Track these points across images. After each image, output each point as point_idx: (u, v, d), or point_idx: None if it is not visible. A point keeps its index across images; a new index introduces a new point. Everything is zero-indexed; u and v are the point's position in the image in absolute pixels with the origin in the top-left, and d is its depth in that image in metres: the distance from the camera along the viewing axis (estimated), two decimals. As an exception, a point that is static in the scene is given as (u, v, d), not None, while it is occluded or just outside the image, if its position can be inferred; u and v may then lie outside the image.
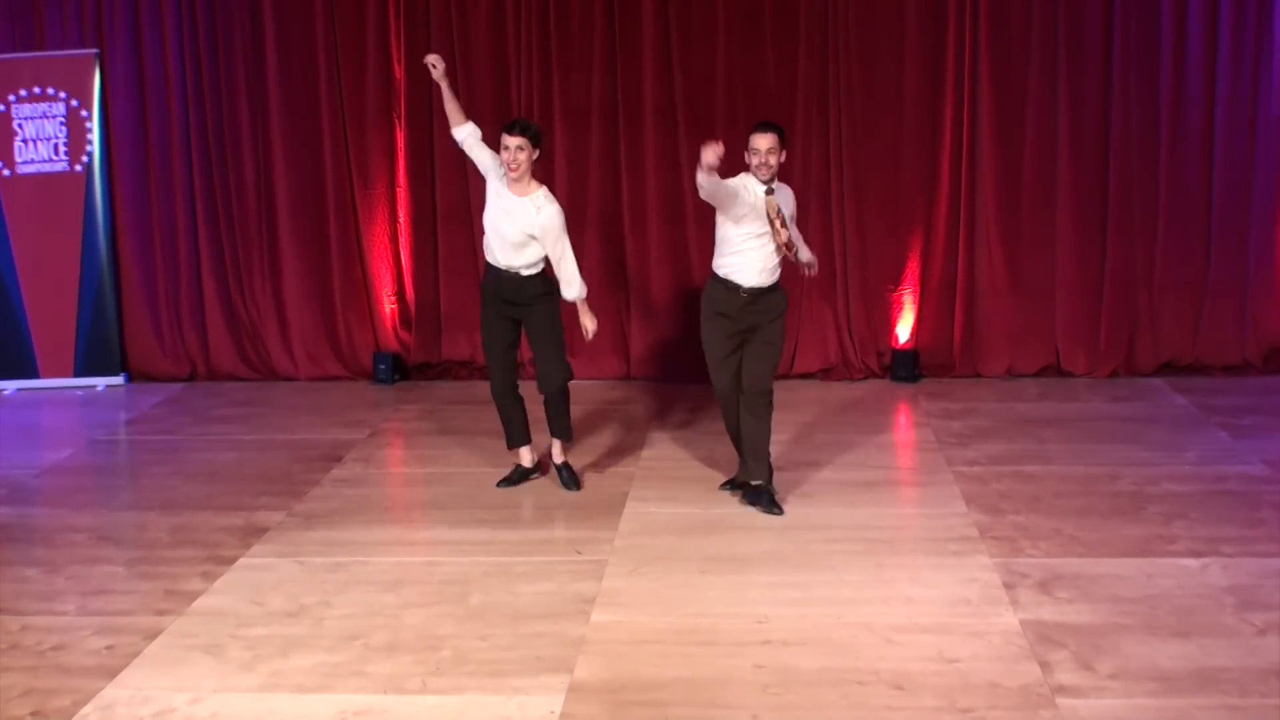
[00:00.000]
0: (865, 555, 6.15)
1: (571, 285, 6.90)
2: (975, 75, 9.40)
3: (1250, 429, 8.11)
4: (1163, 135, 9.33)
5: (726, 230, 6.66)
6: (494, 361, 7.09)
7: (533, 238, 6.80)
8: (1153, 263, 9.49)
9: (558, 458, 7.27)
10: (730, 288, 6.64)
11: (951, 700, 4.71)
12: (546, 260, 6.91)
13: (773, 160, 6.53)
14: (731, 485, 7.09)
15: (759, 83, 9.52)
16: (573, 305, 6.96)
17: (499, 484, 7.27)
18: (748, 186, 6.59)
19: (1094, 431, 8.18)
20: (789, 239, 6.61)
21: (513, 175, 6.75)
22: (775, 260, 6.66)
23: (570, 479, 7.22)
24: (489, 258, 6.99)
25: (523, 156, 6.72)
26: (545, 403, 7.12)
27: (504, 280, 6.92)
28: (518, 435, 7.28)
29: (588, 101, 9.64)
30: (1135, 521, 6.51)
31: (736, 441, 6.98)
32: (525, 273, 6.89)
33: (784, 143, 6.64)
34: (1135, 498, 6.87)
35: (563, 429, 7.21)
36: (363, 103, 9.82)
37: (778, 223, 6.55)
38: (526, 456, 7.32)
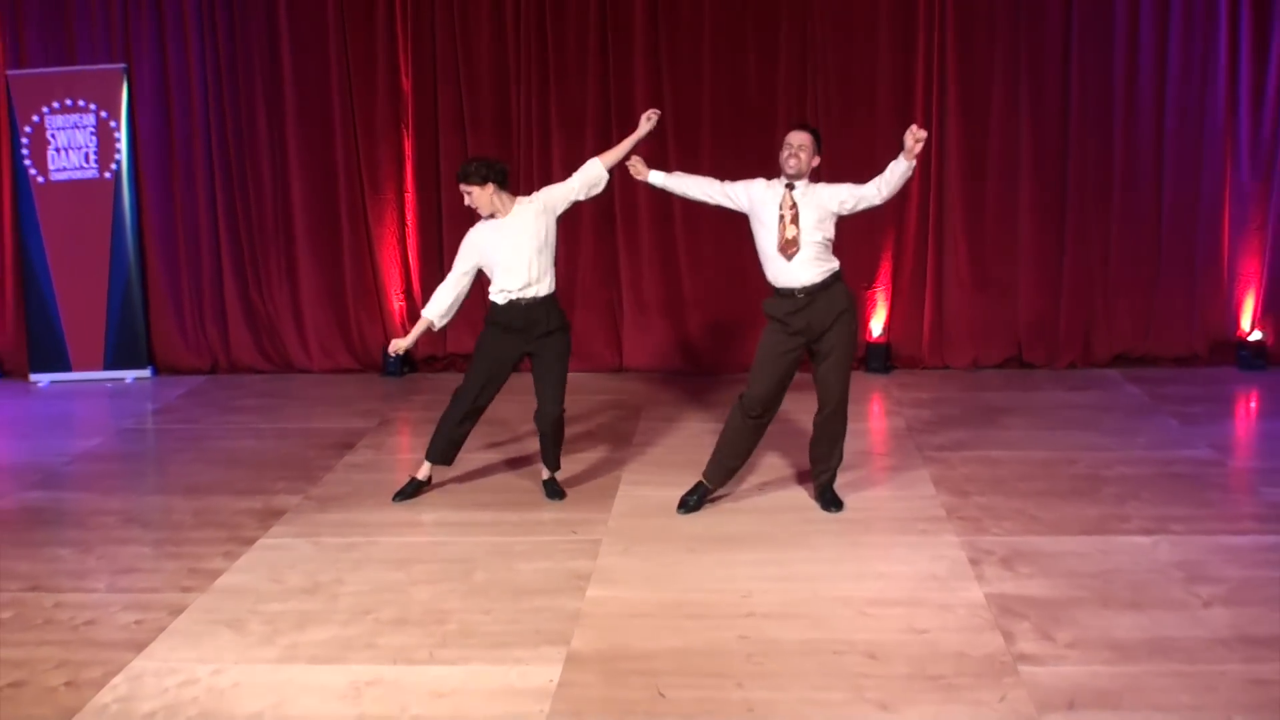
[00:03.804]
0: (842, 534, 6.16)
1: (599, 164, 6.70)
2: (943, 87, 9.41)
3: (1197, 416, 8.13)
4: (1116, 144, 9.35)
5: (757, 241, 6.34)
6: (479, 380, 6.63)
7: (543, 243, 6.54)
8: (1107, 262, 9.51)
9: (545, 474, 6.95)
10: (782, 294, 6.23)
11: (921, 668, 4.72)
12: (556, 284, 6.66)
13: (803, 155, 6.17)
14: (692, 504, 6.57)
15: (742, 93, 9.53)
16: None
17: (395, 498, 6.84)
18: (770, 185, 6.28)
19: (1053, 419, 8.19)
20: (794, 238, 6.15)
21: (483, 214, 6.54)
22: (814, 254, 6.20)
23: (555, 491, 6.87)
24: (502, 299, 6.54)
25: (482, 197, 6.47)
26: (541, 435, 6.80)
27: (524, 311, 6.53)
28: (448, 453, 6.83)
29: (582, 111, 9.63)
30: (1091, 502, 6.52)
31: (726, 451, 6.52)
32: (544, 292, 6.56)
33: (819, 147, 6.30)
34: (1091, 480, 6.88)
35: (555, 461, 6.90)
36: (372, 114, 9.80)
37: (787, 217, 6.18)
38: (426, 470, 6.91)
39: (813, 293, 6.22)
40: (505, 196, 6.55)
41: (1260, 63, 9.17)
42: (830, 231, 6.31)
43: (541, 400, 6.67)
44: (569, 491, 6.90)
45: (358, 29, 9.72)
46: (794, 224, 6.20)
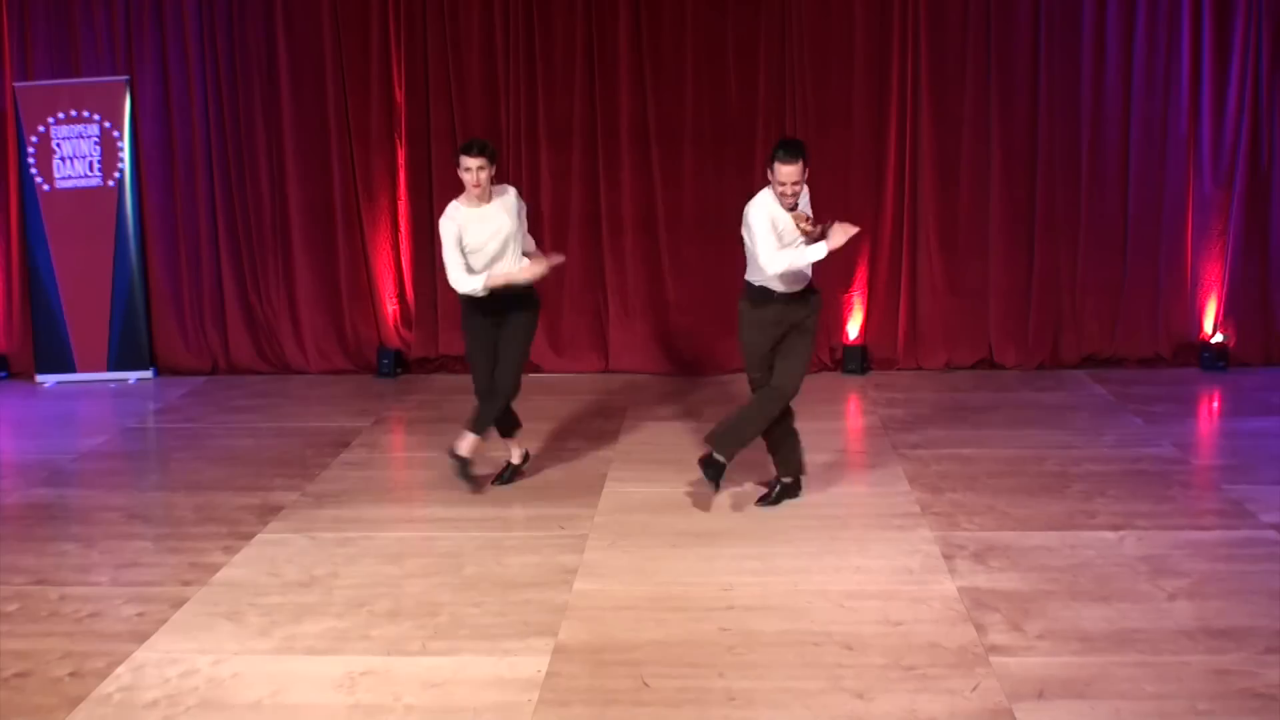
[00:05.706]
0: (820, 529, 6.16)
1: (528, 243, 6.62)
2: (916, 99, 9.42)
3: (1161, 415, 8.15)
4: (1084, 153, 9.37)
5: (764, 244, 6.20)
6: (478, 360, 6.67)
7: (511, 236, 6.47)
8: (1075, 267, 9.52)
9: (516, 457, 7.02)
10: (767, 293, 6.23)
11: (897, 659, 4.72)
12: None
13: (798, 189, 6.06)
14: (769, 498, 6.58)
15: (723, 105, 9.52)
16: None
17: (494, 482, 6.93)
18: (775, 216, 6.14)
19: (1023, 418, 8.20)
20: (818, 229, 6.09)
21: (476, 192, 6.41)
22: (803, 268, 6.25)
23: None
24: None
25: (484, 175, 6.37)
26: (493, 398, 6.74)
27: (492, 295, 6.51)
28: (508, 427, 6.94)
29: (569, 123, 9.61)
30: (1060, 498, 6.53)
31: (772, 444, 6.55)
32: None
33: (807, 163, 6.11)
34: (1060, 477, 6.89)
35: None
36: (367, 124, 9.78)
37: (805, 226, 6.12)
38: (516, 453, 7.05)
39: (796, 296, 6.28)
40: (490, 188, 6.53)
41: (1221, 75, 9.20)
42: None
43: (501, 375, 6.63)
44: (557, 487, 6.89)
45: (353, 44, 9.69)
46: (810, 224, 6.17)
